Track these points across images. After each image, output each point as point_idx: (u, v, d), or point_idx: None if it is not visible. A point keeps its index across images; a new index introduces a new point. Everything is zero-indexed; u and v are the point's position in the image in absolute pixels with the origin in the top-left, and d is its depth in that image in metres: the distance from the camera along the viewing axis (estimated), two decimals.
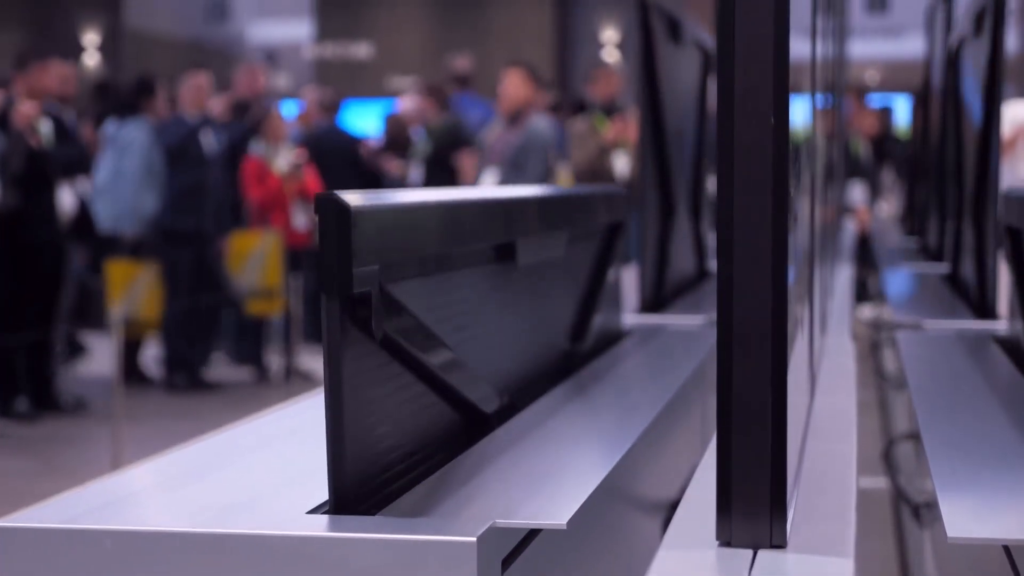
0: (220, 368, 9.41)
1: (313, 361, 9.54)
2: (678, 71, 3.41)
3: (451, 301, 1.62)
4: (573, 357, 2.20)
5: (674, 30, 3.35)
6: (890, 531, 3.06)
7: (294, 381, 8.95)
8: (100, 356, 9.30)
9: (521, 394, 1.87)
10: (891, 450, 3.11)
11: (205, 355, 9.18)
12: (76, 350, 9.34)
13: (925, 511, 2.83)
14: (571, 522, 1.30)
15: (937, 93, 4.73)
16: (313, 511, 1.32)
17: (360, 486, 1.35)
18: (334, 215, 1.30)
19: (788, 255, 1.23)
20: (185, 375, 8.93)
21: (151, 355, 9.43)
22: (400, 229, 1.44)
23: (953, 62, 3.85)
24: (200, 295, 8.87)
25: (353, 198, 1.32)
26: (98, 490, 1.41)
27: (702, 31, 3.83)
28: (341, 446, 1.32)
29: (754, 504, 1.25)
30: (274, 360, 9.46)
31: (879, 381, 4.66)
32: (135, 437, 6.80)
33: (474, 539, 1.20)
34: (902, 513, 2.84)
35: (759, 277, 1.24)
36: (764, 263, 1.23)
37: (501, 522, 1.28)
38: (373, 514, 1.33)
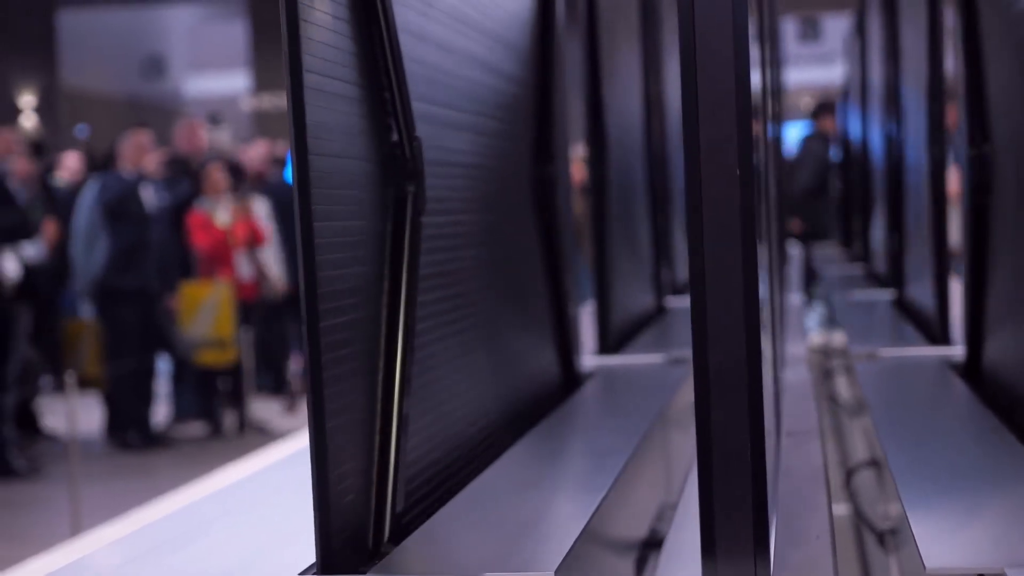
0: (172, 424, 9.33)
1: (266, 411, 9.50)
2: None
3: None
4: None
5: None
6: (854, 558, 3.09)
7: (248, 434, 8.91)
8: (51, 419, 9.22)
9: None
10: (852, 477, 3.14)
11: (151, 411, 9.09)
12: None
13: (890, 537, 2.86)
14: (559, 570, 1.32)
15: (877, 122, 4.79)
16: (303, 573, 1.33)
17: (347, 544, 1.36)
18: None
19: (759, 305, 1.27)
20: (137, 433, 8.85)
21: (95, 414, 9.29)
22: None
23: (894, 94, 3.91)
24: (147, 353, 8.80)
25: None
26: (82, 563, 1.42)
27: None
28: (326, 502, 1.33)
29: (737, 545, 1.28)
30: (227, 413, 9.41)
31: (833, 408, 4.70)
32: (92, 499, 6.75)
33: None
34: (865, 539, 2.88)
35: (732, 321, 1.27)
36: (736, 308, 1.26)
37: (490, 575, 1.30)
38: (363, 572, 1.35)
